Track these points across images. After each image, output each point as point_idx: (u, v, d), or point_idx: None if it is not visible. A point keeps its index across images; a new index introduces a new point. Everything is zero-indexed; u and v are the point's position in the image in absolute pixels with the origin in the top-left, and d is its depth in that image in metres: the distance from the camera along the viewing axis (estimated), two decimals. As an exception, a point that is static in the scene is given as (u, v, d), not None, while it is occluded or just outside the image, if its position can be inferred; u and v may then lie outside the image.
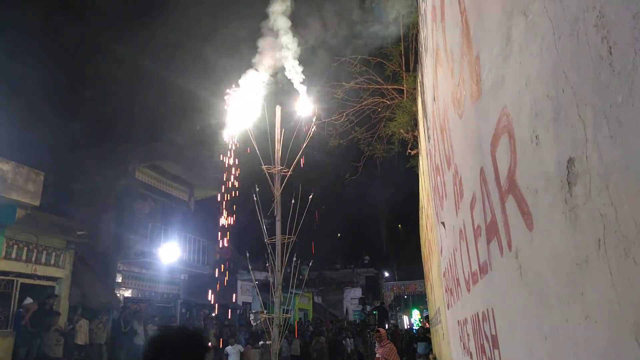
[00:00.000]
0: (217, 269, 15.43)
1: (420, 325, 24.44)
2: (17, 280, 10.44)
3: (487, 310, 2.13)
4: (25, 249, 10.63)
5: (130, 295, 14.39)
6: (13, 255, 10.30)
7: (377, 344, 7.77)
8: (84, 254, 12.50)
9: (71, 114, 12.88)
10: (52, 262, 11.33)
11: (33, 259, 10.79)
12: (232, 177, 8.43)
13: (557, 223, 0.97)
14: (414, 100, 8.15)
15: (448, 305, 4.77)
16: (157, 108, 15.09)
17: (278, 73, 7.98)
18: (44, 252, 11.12)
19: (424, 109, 5.44)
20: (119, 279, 13.94)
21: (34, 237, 10.76)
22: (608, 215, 0.74)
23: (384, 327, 26.54)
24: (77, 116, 13.05)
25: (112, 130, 14.11)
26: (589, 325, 0.87)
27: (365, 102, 9.70)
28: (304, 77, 7.72)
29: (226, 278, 17.01)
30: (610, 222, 0.73)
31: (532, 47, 1.05)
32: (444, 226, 3.93)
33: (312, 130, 7.52)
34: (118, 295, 13.54)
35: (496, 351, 1.96)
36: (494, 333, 2.00)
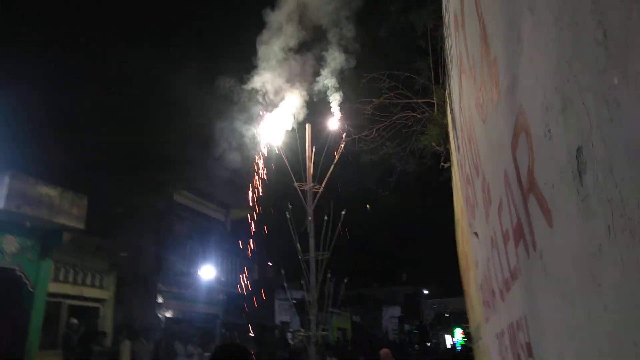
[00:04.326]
0: (254, 288, 15.54)
1: (463, 343, 23.65)
2: (64, 302, 10.86)
3: (521, 317, 2.06)
4: (72, 271, 11.04)
5: (171, 316, 14.65)
6: (61, 278, 10.73)
7: None
8: (126, 276, 12.88)
9: (113, 140, 13.49)
10: (97, 283, 11.73)
11: (79, 281, 11.21)
12: (256, 195, 8.58)
13: (572, 215, 0.96)
14: (444, 112, 8.08)
15: (487, 319, 4.62)
16: (194, 131, 15.57)
17: (309, 91, 8.13)
18: (89, 274, 11.52)
19: (453, 120, 5.38)
20: (160, 300, 14.25)
21: (80, 259, 11.20)
22: (614, 199, 0.73)
23: (425, 345, 25.90)
24: (119, 142, 13.65)
25: (152, 155, 14.65)
26: (609, 317, 0.84)
27: (396, 117, 9.65)
28: (341, 97, 7.86)
29: (263, 297, 17.10)
30: (616, 206, 0.72)
31: (539, 42, 1.06)
32: (477, 236, 3.84)
33: (342, 147, 7.58)
34: (159, 315, 13.82)
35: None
36: (527, 341, 1.93)
